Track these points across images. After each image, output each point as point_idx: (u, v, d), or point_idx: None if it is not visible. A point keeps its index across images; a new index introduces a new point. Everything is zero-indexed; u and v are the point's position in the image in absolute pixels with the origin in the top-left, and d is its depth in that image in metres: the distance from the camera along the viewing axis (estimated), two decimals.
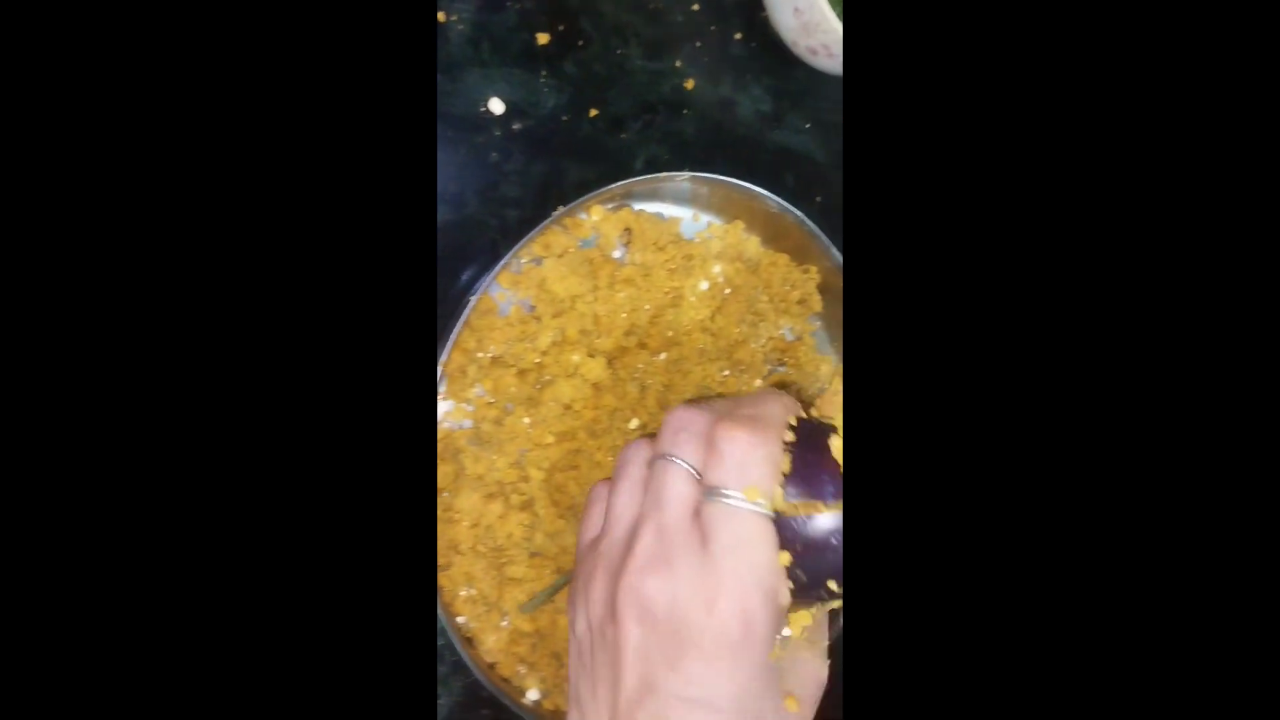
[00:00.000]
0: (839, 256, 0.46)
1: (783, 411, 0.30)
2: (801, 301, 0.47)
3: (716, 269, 0.45)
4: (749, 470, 0.28)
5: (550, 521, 0.39)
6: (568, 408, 0.40)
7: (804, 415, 0.30)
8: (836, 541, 0.28)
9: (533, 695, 0.40)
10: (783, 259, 0.46)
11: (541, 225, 0.37)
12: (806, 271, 0.47)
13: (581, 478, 0.41)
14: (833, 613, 0.31)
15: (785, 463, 0.28)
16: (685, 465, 0.29)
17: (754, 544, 0.27)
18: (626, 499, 0.31)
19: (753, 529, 0.27)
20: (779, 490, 0.28)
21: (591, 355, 0.40)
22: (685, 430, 0.29)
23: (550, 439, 0.40)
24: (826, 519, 0.28)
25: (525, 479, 0.40)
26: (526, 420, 0.40)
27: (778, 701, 0.28)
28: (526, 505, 0.40)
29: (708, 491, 0.28)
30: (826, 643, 0.31)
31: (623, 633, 0.28)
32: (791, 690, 0.29)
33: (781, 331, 0.48)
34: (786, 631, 0.29)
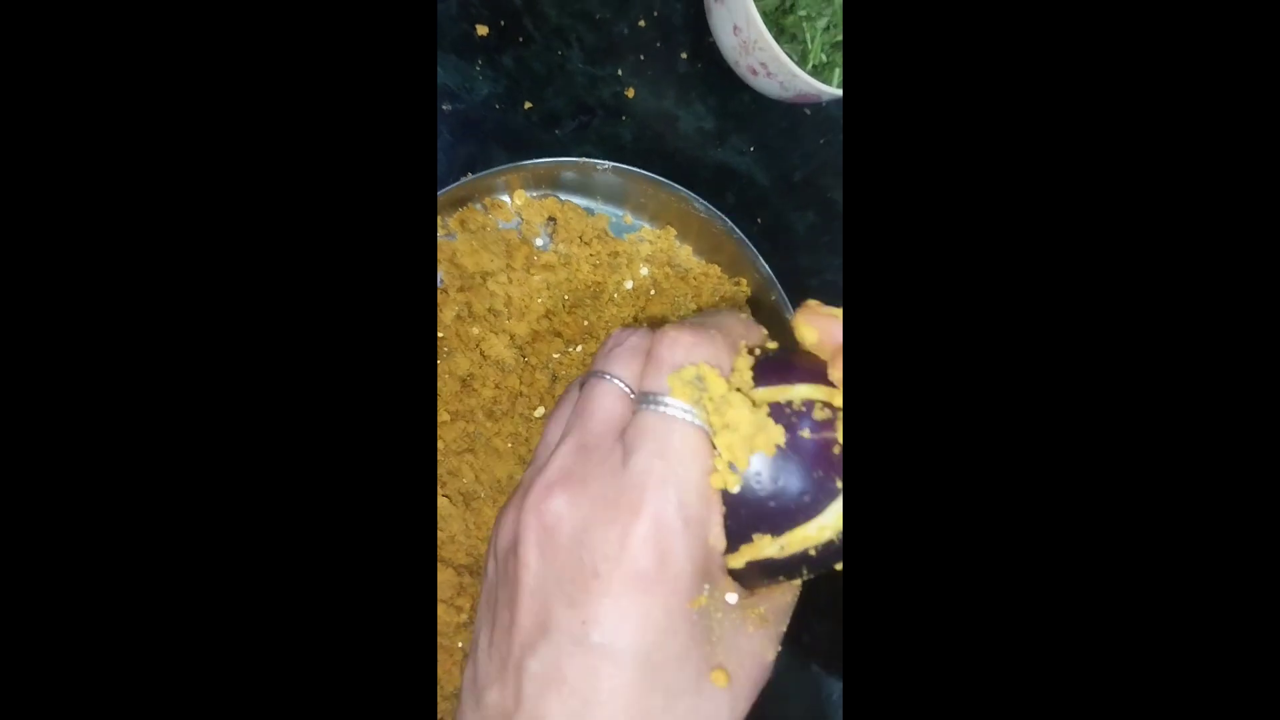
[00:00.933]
0: (768, 270, 0.45)
1: (739, 327, 0.26)
2: None
3: (644, 270, 0.44)
4: (682, 360, 0.24)
5: (439, 505, 0.37)
6: (465, 384, 0.38)
7: (765, 348, 0.27)
8: (777, 491, 0.23)
9: None
10: (714, 270, 0.46)
11: (450, 186, 0.36)
12: (738, 284, 0.46)
13: (478, 463, 0.39)
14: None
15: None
16: (617, 381, 0.25)
17: (681, 458, 0.23)
18: (555, 425, 0.27)
19: (682, 438, 0.23)
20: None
21: (495, 333, 0.39)
22: (621, 345, 0.26)
23: (445, 416, 0.38)
24: (765, 461, 0.23)
25: None
26: None
27: (701, 670, 0.23)
28: None
29: (639, 400, 0.24)
30: (783, 628, 0.26)
31: (521, 563, 0.23)
32: (723, 664, 0.24)
33: None
34: (731, 596, 0.24)
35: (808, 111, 0.52)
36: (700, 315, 0.27)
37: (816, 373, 0.25)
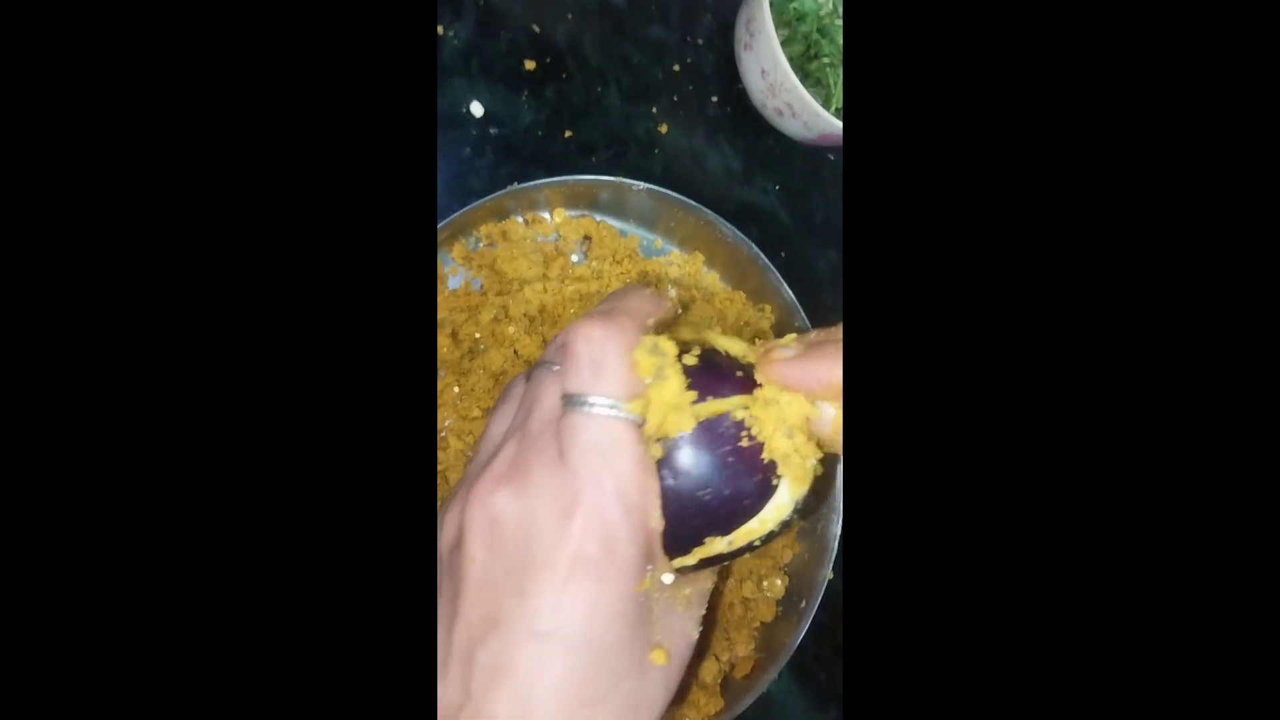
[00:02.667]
0: (792, 297, 0.47)
1: (646, 304, 0.27)
2: (755, 340, 0.48)
3: (671, 291, 0.46)
4: (603, 369, 0.24)
5: None
6: (497, 380, 0.40)
7: (713, 347, 0.29)
8: (726, 499, 0.25)
9: None
10: (740, 296, 0.48)
11: (495, 194, 0.39)
12: (762, 310, 0.48)
13: None
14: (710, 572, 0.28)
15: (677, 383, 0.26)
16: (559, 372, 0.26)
17: (613, 451, 0.23)
18: (500, 419, 0.28)
19: (610, 434, 0.24)
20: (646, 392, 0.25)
21: (529, 334, 0.40)
22: (562, 337, 0.26)
23: (477, 412, 0.39)
24: (696, 455, 0.25)
25: (444, 448, 0.38)
26: (456, 389, 0.39)
27: (643, 651, 0.24)
28: (440, 474, 0.38)
29: (564, 401, 0.25)
30: (704, 610, 0.27)
31: (466, 556, 0.24)
32: (661, 643, 0.25)
33: None
34: (668, 577, 0.25)
35: (831, 157, 0.55)
36: (606, 300, 0.27)
37: (744, 383, 0.26)
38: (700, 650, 0.40)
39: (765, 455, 0.26)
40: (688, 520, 0.25)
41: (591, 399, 0.24)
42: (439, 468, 0.38)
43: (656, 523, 0.25)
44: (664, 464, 0.25)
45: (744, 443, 0.25)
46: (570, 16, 0.47)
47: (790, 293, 0.47)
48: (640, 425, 0.24)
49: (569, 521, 0.23)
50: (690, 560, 0.26)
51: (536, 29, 0.46)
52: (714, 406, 0.26)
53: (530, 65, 0.46)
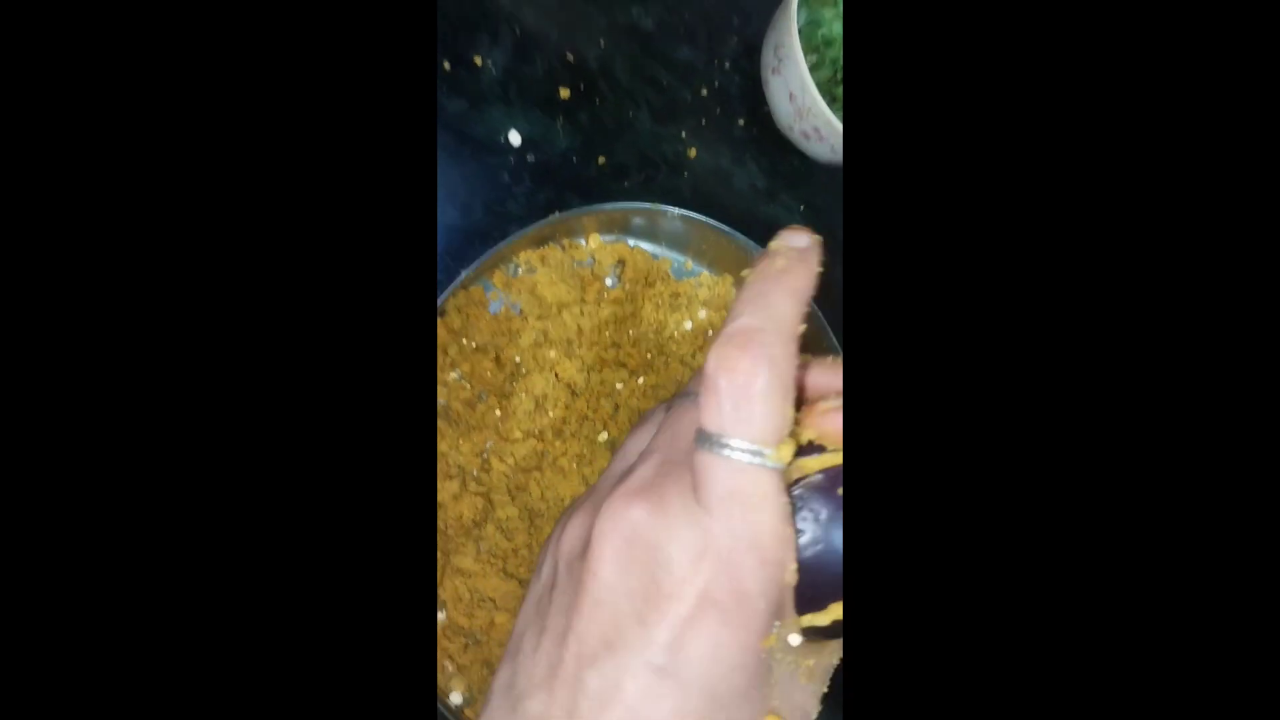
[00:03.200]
0: (821, 318, 0.48)
1: (791, 306, 0.23)
2: None
3: (702, 313, 0.48)
4: (746, 409, 0.22)
5: (503, 509, 0.39)
6: (538, 404, 0.41)
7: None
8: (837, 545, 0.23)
9: (455, 699, 0.37)
10: None
11: (538, 224, 0.40)
12: None
13: (543, 480, 0.41)
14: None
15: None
16: None
17: (754, 503, 0.22)
18: (637, 440, 0.26)
19: (752, 484, 0.22)
20: (790, 436, 0.22)
21: (569, 357, 0.42)
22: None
23: (518, 434, 0.40)
24: (828, 505, 0.23)
25: (487, 469, 0.40)
26: (498, 413, 0.41)
27: (757, 713, 0.22)
28: (483, 495, 0.40)
29: (699, 438, 0.22)
30: (825, 688, 0.25)
31: (590, 570, 0.22)
32: (777, 710, 0.23)
33: None
34: (794, 638, 0.23)
35: None
36: (748, 291, 0.24)
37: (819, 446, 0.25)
38: None
39: None
40: (823, 573, 0.23)
41: (732, 442, 0.22)
42: (483, 489, 0.40)
43: (791, 577, 0.23)
44: (797, 514, 0.23)
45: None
46: (603, 42, 0.48)
47: (819, 312, 0.48)
48: (782, 473, 0.22)
49: (700, 562, 0.21)
50: (823, 620, 0.24)
51: (570, 57, 0.47)
52: (825, 459, 0.24)
53: (565, 93, 0.47)
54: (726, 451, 0.22)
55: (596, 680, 0.21)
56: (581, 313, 0.43)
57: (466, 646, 0.38)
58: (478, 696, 0.37)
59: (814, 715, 0.24)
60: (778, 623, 0.22)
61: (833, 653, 0.26)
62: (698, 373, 0.25)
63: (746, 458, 0.22)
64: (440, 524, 0.39)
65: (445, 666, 0.37)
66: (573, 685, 0.22)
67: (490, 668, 0.38)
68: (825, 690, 0.25)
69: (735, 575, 0.21)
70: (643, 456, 0.24)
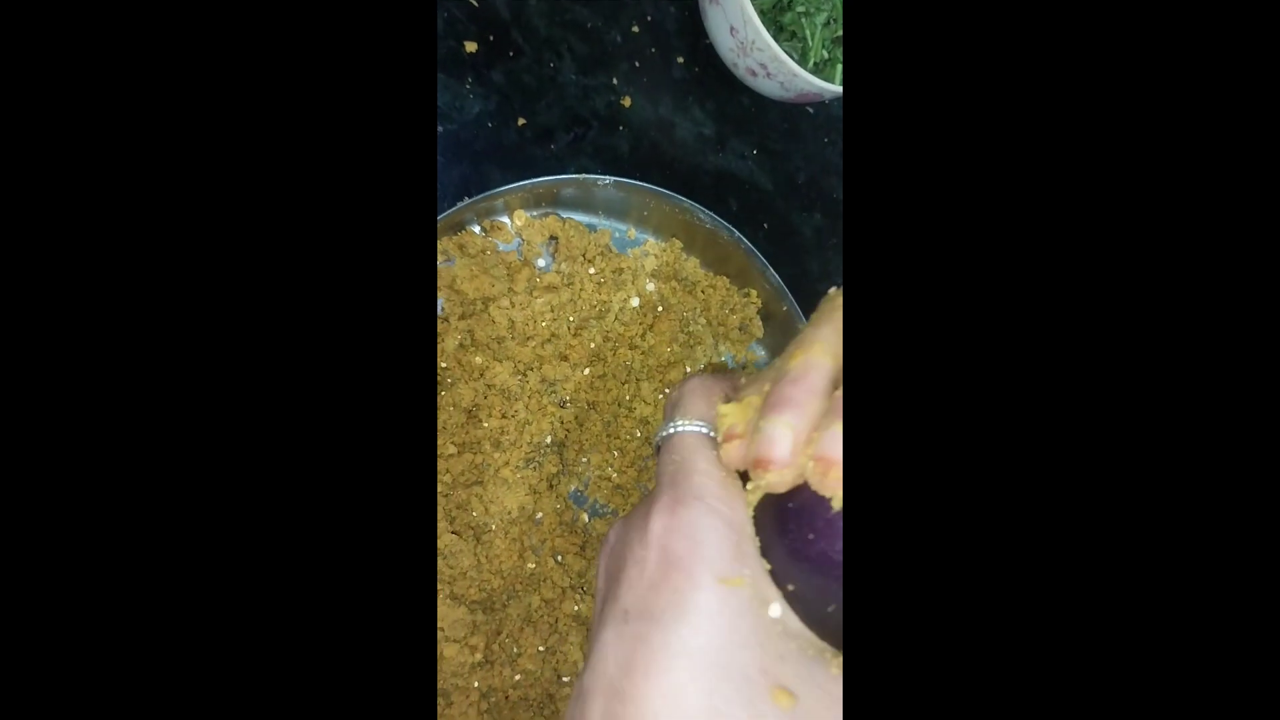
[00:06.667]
0: (778, 280, 0.44)
1: (718, 379, 0.29)
2: (742, 327, 0.45)
3: (650, 286, 0.43)
4: (684, 401, 0.27)
5: (445, 540, 0.36)
6: (470, 415, 0.37)
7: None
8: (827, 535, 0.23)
9: None
10: (722, 282, 0.44)
11: (448, 211, 0.35)
12: (747, 295, 0.45)
13: (486, 495, 0.37)
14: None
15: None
16: (682, 424, 0.28)
17: (690, 455, 0.26)
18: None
19: (687, 443, 0.26)
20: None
21: (499, 360, 0.38)
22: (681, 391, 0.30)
23: (452, 449, 0.37)
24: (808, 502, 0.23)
25: None
26: None
27: (760, 682, 0.23)
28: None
29: (655, 442, 0.27)
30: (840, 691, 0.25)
31: (597, 594, 0.27)
32: (790, 687, 0.23)
33: (723, 358, 0.45)
34: (775, 609, 0.24)
35: (810, 110, 0.51)
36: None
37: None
38: None
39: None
40: (812, 578, 0.24)
41: (676, 423, 0.27)
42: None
43: (744, 523, 0.24)
44: (785, 519, 0.25)
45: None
46: None
47: (776, 275, 0.44)
48: (709, 437, 0.26)
49: (650, 520, 0.24)
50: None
51: (475, 2, 0.41)
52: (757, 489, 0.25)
53: (471, 47, 0.41)
54: (671, 430, 0.27)
55: (610, 636, 0.24)
56: (512, 304, 0.39)
57: None
58: None
59: (836, 691, 0.24)
60: (746, 571, 0.24)
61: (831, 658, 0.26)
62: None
63: (686, 428, 0.26)
64: None
65: None
66: (594, 671, 0.24)
67: (445, 697, 0.35)
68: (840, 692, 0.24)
69: (682, 523, 0.24)
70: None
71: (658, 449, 0.28)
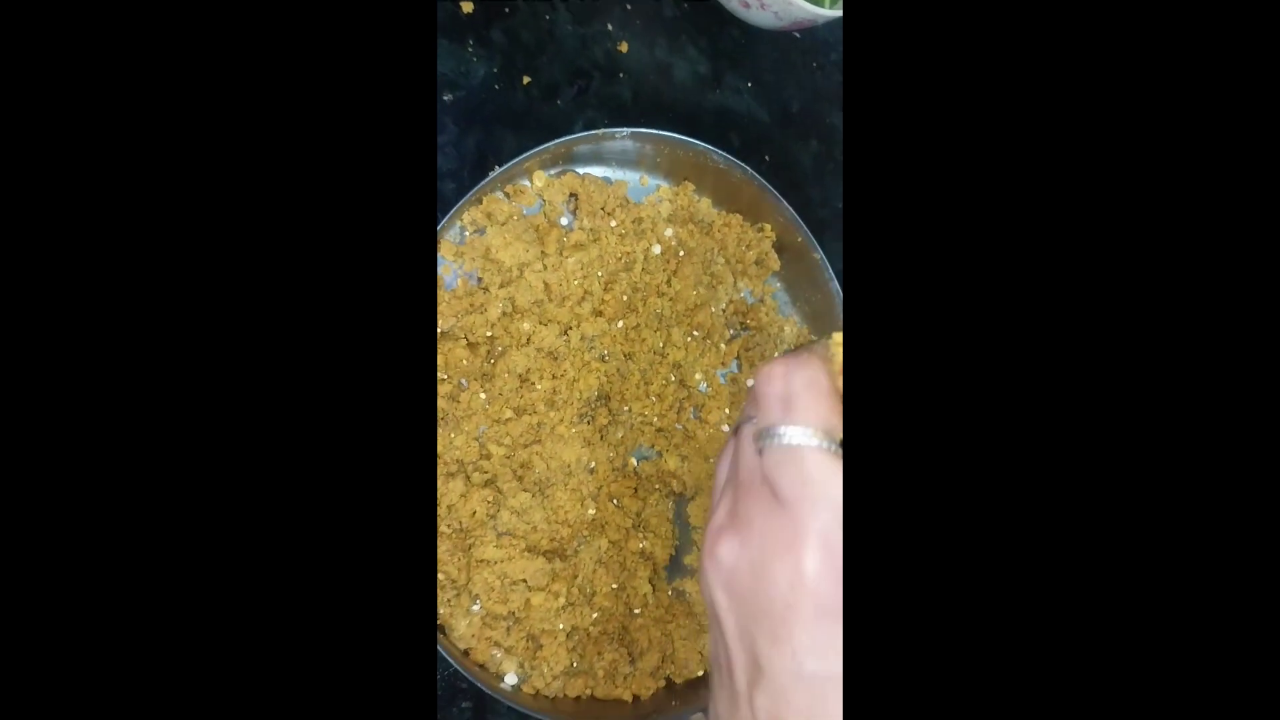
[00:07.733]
0: (790, 210, 0.45)
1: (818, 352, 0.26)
2: (759, 262, 0.46)
3: (669, 232, 0.44)
4: (791, 401, 0.24)
5: (515, 497, 0.38)
6: (524, 379, 0.38)
7: None
8: None
9: (510, 680, 0.38)
10: (735, 219, 0.46)
11: (476, 188, 0.35)
12: (761, 230, 0.46)
13: (545, 452, 0.39)
14: None
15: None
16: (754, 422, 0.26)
17: (822, 480, 0.23)
18: (720, 473, 0.28)
19: (814, 463, 0.23)
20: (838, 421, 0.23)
21: (544, 324, 0.39)
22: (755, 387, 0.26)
23: (509, 414, 0.38)
24: None
25: (486, 456, 0.38)
26: (483, 396, 0.38)
27: None
28: (489, 483, 0.38)
29: (759, 439, 0.24)
30: None
31: (716, 610, 0.24)
32: None
33: (742, 294, 0.47)
34: None
35: (797, 35, 0.51)
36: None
37: None
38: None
39: None
40: None
41: (781, 429, 0.23)
42: (487, 475, 0.38)
43: None
44: None
45: None
46: None
47: (788, 206, 0.45)
48: (837, 453, 0.23)
49: (799, 560, 0.22)
50: None
51: None
52: None
53: (468, 7, 0.40)
54: (778, 440, 0.23)
55: (764, 701, 0.23)
56: (545, 267, 0.39)
57: (509, 629, 0.38)
58: (530, 672, 0.38)
59: None
60: None
61: None
62: (751, 396, 0.26)
63: (801, 440, 0.23)
64: (456, 523, 0.37)
65: (494, 654, 0.37)
66: (751, 707, 0.24)
67: (534, 641, 0.38)
68: None
69: (833, 559, 0.22)
70: (722, 490, 0.26)
71: (741, 434, 0.26)
